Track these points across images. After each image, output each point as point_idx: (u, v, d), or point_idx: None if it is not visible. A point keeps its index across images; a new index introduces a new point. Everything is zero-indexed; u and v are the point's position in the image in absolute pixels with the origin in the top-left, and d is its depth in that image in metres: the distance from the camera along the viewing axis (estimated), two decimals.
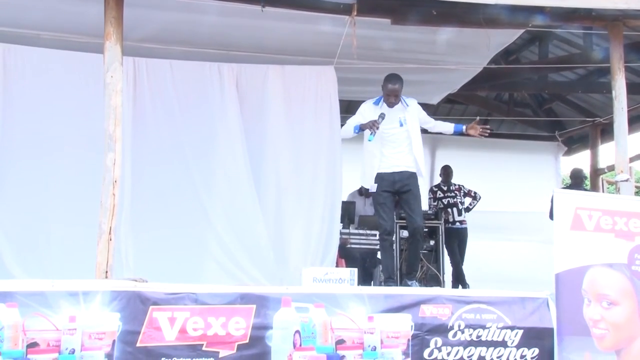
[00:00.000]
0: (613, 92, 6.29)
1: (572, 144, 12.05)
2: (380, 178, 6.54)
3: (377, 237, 7.91)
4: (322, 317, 4.91)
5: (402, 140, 6.52)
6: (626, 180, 6.11)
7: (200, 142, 7.14)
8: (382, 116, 6.41)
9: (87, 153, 6.45)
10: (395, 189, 6.54)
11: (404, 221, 7.41)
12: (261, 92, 7.38)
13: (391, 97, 6.47)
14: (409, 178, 6.52)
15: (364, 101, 6.81)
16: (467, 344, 5.14)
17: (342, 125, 7.56)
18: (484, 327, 5.20)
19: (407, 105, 6.56)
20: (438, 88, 8.83)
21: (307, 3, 6.27)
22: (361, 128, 6.46)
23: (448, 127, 6.88)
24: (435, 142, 11.32)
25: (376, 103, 6.62)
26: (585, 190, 9.37)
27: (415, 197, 6.55)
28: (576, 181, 9.03)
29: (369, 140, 6.38)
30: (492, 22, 6.42)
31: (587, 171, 11.17)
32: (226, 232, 6.90)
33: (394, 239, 6.84)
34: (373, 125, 6.30)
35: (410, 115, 6.55)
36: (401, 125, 6.50)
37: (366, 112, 6.58)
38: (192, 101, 7.20)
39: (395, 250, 7.61)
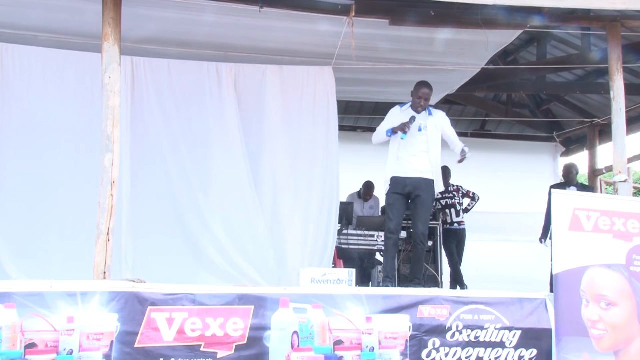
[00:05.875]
0: (611, 93, 6.29)
1: (570, 144, 12.06)
2: (394, 181, 6.62)
3: (375, 238, 7.96)
4: (320, 317, 4.91)
5: (418, 145, 6.57)
6: (624, 181, 6.11)
7: (198, 141, 7.14)
8: (413, 119, 6.53)
9: (86, 153, 6.46)
10: (406, 192, 6.60)
11: (406, 222, 7.44)
12: (259, 92, 7.37)
13: (422, 101, 6.62)
14: (422, 184, 6.56)
15: (362, 102, 6.86)
16: (465, 345, 5.15)
17: (339, 126, 7.61)
18: (482, 328, 5.20)
19: (431, 114, 6.65)
20: (436, 89, 8.74)
21: (305, 4, 6.27)
22: (393, 131, 6.56)
23: (458, 149, 6.80)
24: None
25: (402, 106, 6.77)
26: (582, 184, 9.36)
27: (424, 204, 6.58)
28: (569, 178, 9.02)
29: (402, 139, 6.50)
30: (490, 23, 6.43)
31: (585, 172, 11.19)
32: (224, 233, 6.90)
33: (398, 238, 6.83)
34: (405, 126, 6.45)
35: (432, 124, 6.62)
36: (420, 130, 6.56)
37: (395, 116, 6.72)
38: (190, 101, 7.19)
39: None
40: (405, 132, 6.43)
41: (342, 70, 7.47)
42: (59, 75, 6.86)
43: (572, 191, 7.82)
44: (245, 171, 7.11)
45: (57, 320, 4.41)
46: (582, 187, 8.86)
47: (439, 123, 6.69)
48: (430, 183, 6.59)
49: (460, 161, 6.68)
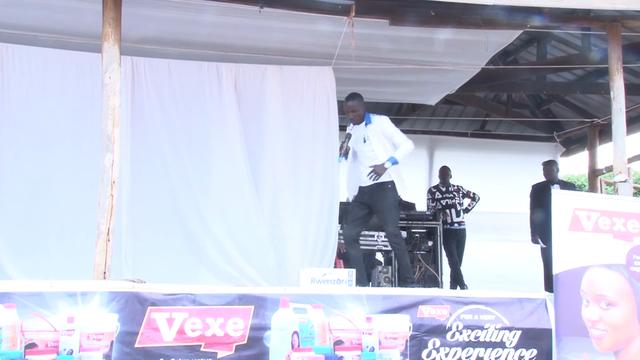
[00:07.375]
0: (611, 93, 6.29)
1: (570, 144, 12.06)
2: (359, 190, 6.76)
3: (375, 238, 7.98)
4: (320, 317, 4.91)
5: (367, 154, 6.66)
6: (624, 181, 6.11)
7: (198, 141, 7.14)
8: (348, 136, 6.74)
9: (86, 153, 6.46)
10: (364, 201, 6.71)
11: (405, 222, 7.44)
12: (259, 92, 7.37)
13: (350, 114, 6.78)
14: (375, 189, 6.60)
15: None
16: (465, 345, 5.15)
17: (339, 126, 7.64)
18: (482, 328, 5.20)
19: (370, 123, 6.71)
20: (436, 89, 8.84)
21: (305, 4, 6.27)
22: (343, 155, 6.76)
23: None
24: (433, 142, 11.37)
25: (349, 124, 6.92)
26: (564, 182, 9.41)
27: (383, 208, 6.59)
28: (551, 176, 9.04)
29: (339, 162, 6.81)
30: (490, 23, 6.43)
31: (585, 172, 11.17)
32: (225, 233, 6.90)
33: (357, 247, 6.82)
34: (340, 149, 6.70)
35: (372, 133, 6.67)
36: (364, 141, 6.68)
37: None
38: (190, 101, 7.19)
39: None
40: (340, 154, 6.66)
41: (342, 70, 7.46)
42: (59, 75, 6.86)
43: (566, 191, 7.81)
44: (245, 171, 7.11)
45: (57, 320, 4.41)
46: (564, 185, 8.87)
47: (378, 128, 6.70)
48: (383, 185, 6.59)
49: (371, 173, 6.58)
